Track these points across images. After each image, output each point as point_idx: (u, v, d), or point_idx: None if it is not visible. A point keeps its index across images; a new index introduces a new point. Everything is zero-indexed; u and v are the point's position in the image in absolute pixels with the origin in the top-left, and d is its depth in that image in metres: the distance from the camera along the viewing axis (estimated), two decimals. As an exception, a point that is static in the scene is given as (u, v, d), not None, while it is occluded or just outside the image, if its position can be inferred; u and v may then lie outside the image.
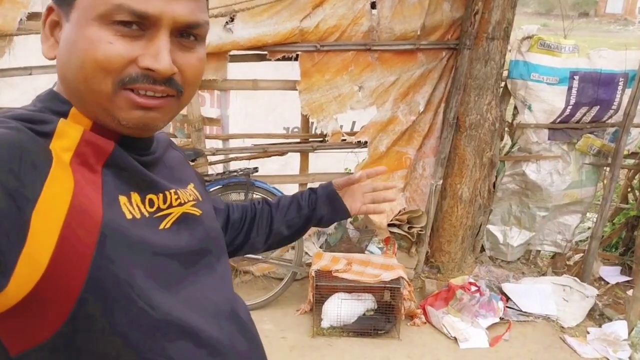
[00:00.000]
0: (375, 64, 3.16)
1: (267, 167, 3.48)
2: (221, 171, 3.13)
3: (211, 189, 2.96)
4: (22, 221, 0.50)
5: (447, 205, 3.49)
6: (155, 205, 0.66)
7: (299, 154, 3.46)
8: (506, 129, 3.50)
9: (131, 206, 0.62)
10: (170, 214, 0.68)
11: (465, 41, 3.09)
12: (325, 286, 2.98)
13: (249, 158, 3.32)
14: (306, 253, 3.40)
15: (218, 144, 3.41)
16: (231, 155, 3.28)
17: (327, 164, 3.69)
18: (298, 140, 3.43)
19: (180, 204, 0.70)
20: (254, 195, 3.01)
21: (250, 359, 0.76)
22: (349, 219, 3.61)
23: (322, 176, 3.58)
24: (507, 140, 3.62)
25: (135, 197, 0.63)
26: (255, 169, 3.00)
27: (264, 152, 3.27)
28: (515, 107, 3.48)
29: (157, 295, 0.61)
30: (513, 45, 3.32)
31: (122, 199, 0.61)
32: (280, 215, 1.07)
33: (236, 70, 3.17)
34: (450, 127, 3.30)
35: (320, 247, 3.51)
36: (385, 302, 3.09)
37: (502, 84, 3.39)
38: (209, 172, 3.21)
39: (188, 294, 0.66)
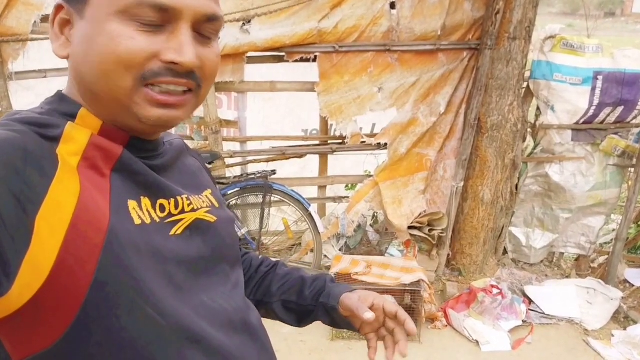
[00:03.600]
0: (395, 65, 3.12)
1: (286, 169, 3.47)
2: (239, 174, 3.11)
3: (229, 192, 2.95)
4: (26, 224, 0.49)
5: (469, 207, 3.45)
6: (167, 211, 0.65)
7: (317, 156, 3.44)
8: (529, 130, 3.45)
9: (141, 211, 0.61)
10: (182, 219, 0.66)
11: (486, 41, 3.04)
12: (345, 289, 2.94)
13: (267, 161, 3.31)
14: (325, 256, 3.38)
15: (236, 146, 3.41)
16: (249, 158, 3.28)
17: (346, 166, 3.67)
18: (317, 142, 3.41)
19: (193, 210, 0.69)
20: (272, 198, 3.00)
21: None
22: (369, 222, 3.59)
23: (341, 178, 3.56)
24: (529, 141, 3.57)
25: (146, 201, 0.62)
26: (273, 172, 2.98)
27: (282, 155, 3.26)
28: (538, 108, 3.43)
29: (165, 301, 0.59)
30: (535, 45, 3.27)
31: (132, 204, 0.60)
32: (279, 288, 0.93)
33: (254, 72, 3.16)
34: (471, 129, 3.25)
35: (340, 250, 3.49)
36: (405, 305, 3.05)
37: (525, 84, 3.34)
38: (227, 175, 3.21)
39: (199, 301, 0.65)
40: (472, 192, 3.41)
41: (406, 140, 3.27)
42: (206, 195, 0.75)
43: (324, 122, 3.30)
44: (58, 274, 0.51)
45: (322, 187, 3.55)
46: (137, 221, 0.60)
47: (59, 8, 0.61)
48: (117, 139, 0.62)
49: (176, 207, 0.66)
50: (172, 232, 0.64)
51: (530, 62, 3.30)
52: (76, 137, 0.58)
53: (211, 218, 0.72)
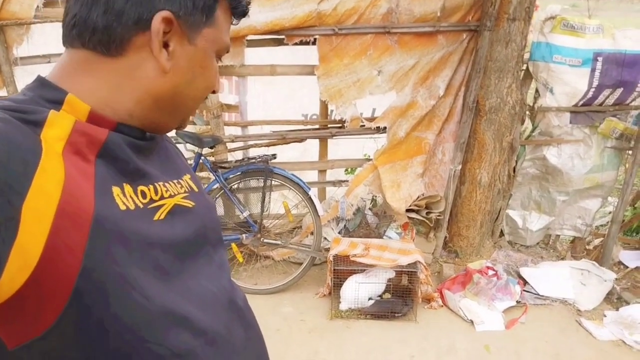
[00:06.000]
0: (395, 48, 3.10)
1: (286, 154, 3.48)
2: (240, 158, 3.13)
3: (230, 176, 2.97)
4: (12, 214, 0.49)
5: (466, 190, 3.47)
6: (148, 197, 0.66)
7: (317, 141, 3.45)
8: (527, 112, 3.44)
9: (125, 197, 0.62)
10: (163, 204, 0.68)
11: (485, 22, 3.02)
12: (344, 270, 3.01)
13: (268, 145, 3.32)
14: (325, 238, 3.42)
15: (237, 130, 3.41)
16: (250, 142, 3.28)
17: (347, 150, 3.66)
18: (317, 126, 3.42)
19: (170, 196, 0.71)
20: (273, 182, 3.02)
21: (247, 347, 0.77)
22: (368, 205, 3.62)
23: (341, 162, 3.57)
24: (527, 124, 3.56)
25: (128, 188, 0.63)
26: (274, 156, 3.00)
27: (283, 139, 3.27)
28: (537, 90, 3.42)
29: (152, 285, 0.60)
30: (535, 26, 3.24)
31: (116, 190, 0.61)
32: None
33: (254, 56, 3.14)
34: (469, 111, 3.25)
35: (339, 233, 3.53)
36: (402, 286, 3.10)
37: (524, 66, 3.32)
38: (229, 159, 3.22)
39: (185, 284, 0.67)
40: (470, 175, 3.43)
41: (405, 124, 3.27)
42: (185, 180, 0.78)
43: (324, 106, 3.29)
44: (47, 262, 0.51)
45: (322, 171, 3.56)
46: (122, 207, 0.60)
47: (169, 22, 0.64)
48: (103, 124, 0.63)
49: (156, 193, 0.68)
50: (155, 217, 0.66)
51: (529, 44, 3.27)
52: (60, 123, 0.58)
53: (189, 204, 0.74)
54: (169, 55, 0.65)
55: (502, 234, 3.81)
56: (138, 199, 0.64)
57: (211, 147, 2.92)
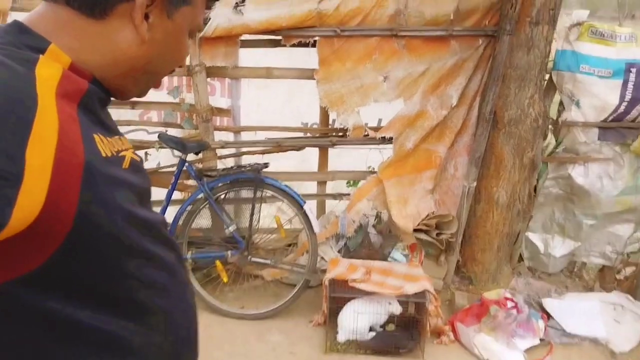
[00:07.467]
0: (403, 52, 2.88)
1: (283, 163, 3.26)
2: (231, 166, 2.88)
3: (218, 185, 2.73)
4: (17, 161, 0.51)
5: (482, 209, 3.20)
6: (116, 147, 0.70)
7: (317, 150, 3.22)
8: (550, 126, 3.20)
9: (103, 145, 0.65)
10: (125, 155, 0.72)
11: (505, 25, 2.77)
12: (340, 298, 2.71)
13: (262, 153, 3.10)
14: (322, 258, 3.14)
15: (229, 137, 3.19)
16: (243, 149, 3.05)
17: (350, 162, 3.42)
18: (317, 134, 3.17)
19: (126, 149, 0.74)
20: (264, 193, 2.76)
21: (187, 280, 0.86)
22: (372, 222, 3.34)
23: (342, 174, 3.32)
24: (550, 139, 3.31)
25: (102, 137, 0.66)
26: (266, 165, 2.75)
27: (278, 147, 3.03)
28: (561, 103, 3.18)
29: (131, 225, 0.66)
30: (560, 33, 3.02)
31: (96, 137, 0.64)
32: None
33: (248, 57, 2.96)
34: (486, 123, 2.98)
35: (339, 252, 3.24)
36: (408, 317, 2.80)
37: (547, 76, 3.08)
38: (219, 167, 2.98)
39: (150, 223, 0.73)
40: (486, 193, 3.16)
41: (413, 135, 3.02)
42: (125, 138, 0.82)
43: (324, 113, 3.07)
44: (50, 204, 0.53)
45: (321, 183, 3.32)
46: (103, 154, 0.64)
47: None
48: (82, 76, 0.66)
49: (119, 144, 0.72)
50: (123, 166, 0.70)
51: (554, 53, 3.04)
52: (52, 65, 0.61)
53: (137, 157, 0.78)
54: (148, 26, 0.69)
55: (521, 259, 3.53)
56: (110, 147, 0.68)
57: (196, 153, 2.68)
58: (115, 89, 0.73)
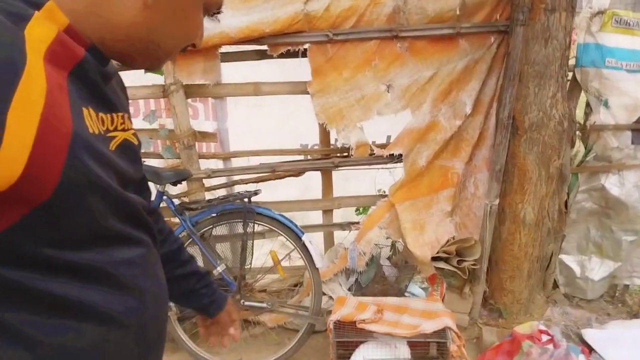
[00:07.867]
0: (406, 56, 2.57)
1: (283, 192, 2.93)
2: (217, 196, 2.52)
3: (202, 219, 2.36)
4: None
5: (507, 231, 2.84)
6: (105, 125, 0.69)
7: (320, 174, 2.87)
8: (578, 132, 2.90)
9: (91, 120, 0.64)
10: (115, 137, 0.71)
11: (518, 15, 2.45)
12: (349, 342, 2.31)
13: (256, 181, 2.74)
14: (330, 297, 2.75)
15: (219, 164, 2.84)
16: (234, 178, 2.70)
17: (357, 185, 3.07)
18: (317, 156, 2.82)
19: (124, 130, 0.74)
20: (256, 227, 2.39)
21: (158, 259, 0.85)
22: (385, 254, 2.97)
23: (349, 200, 2.96)
24: (579, 146, 3.03)
25: (92, 112, 0.65)
26: (256, 192, 2.39)
27: (273, 172, 2.67)
28: (588, 105, 2.91)
29: (108, 203, 0.66)
30: (581, 24, 2.75)
31: (85, 111, 0.63)
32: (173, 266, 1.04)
33: (233, 73, 2.65)
34: (505, 130, 2.64)
35: (349, 290, 2.86)
36: (430, 358, 2.39)
37: (570, 75, 2.78)
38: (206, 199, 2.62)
39: (131, 204, 0.73)
40: (511, 212, 2.81)
41: (426, 150, 2.68)
42: (128, 118, 0.78)
43: (324, 131, 2.74)
44: (32, 168, 0.53)
45: (327, 212, 2.96)
46: (90, 130, 0.63)
47: None
48: (79, 42, 0.63)
49: (112, 123, 0.71)
50: (109, 147, 0.69)
51: (575, 47, 2.78)
52: (45, 25, 0.58)
53: (135, 140, 0.78)
54: None
55: (556, 285, 3.25)
56: (98, 125, 0.67)
57: (174, 184, 2.32)
58: (119, 55, 0.70)
